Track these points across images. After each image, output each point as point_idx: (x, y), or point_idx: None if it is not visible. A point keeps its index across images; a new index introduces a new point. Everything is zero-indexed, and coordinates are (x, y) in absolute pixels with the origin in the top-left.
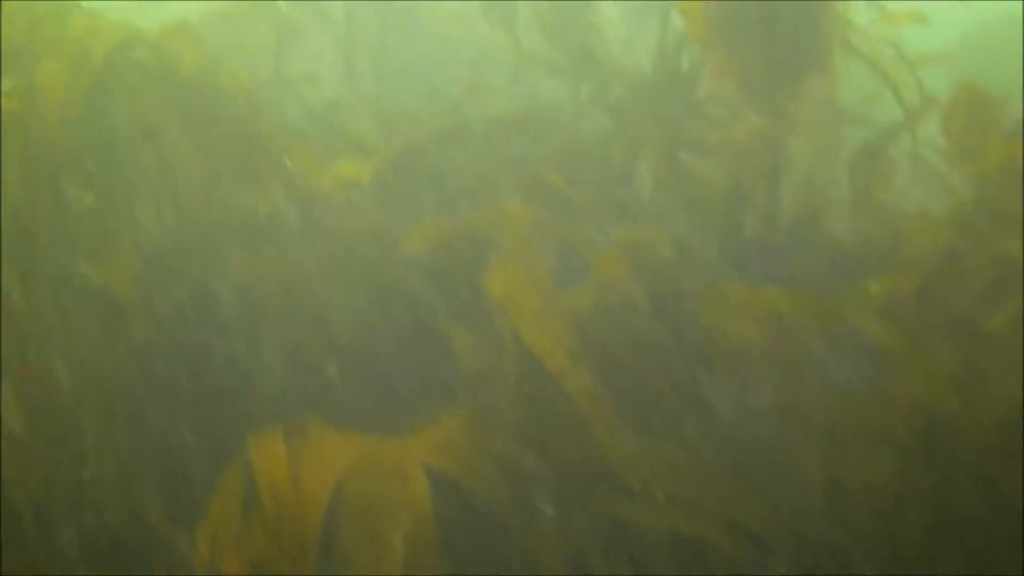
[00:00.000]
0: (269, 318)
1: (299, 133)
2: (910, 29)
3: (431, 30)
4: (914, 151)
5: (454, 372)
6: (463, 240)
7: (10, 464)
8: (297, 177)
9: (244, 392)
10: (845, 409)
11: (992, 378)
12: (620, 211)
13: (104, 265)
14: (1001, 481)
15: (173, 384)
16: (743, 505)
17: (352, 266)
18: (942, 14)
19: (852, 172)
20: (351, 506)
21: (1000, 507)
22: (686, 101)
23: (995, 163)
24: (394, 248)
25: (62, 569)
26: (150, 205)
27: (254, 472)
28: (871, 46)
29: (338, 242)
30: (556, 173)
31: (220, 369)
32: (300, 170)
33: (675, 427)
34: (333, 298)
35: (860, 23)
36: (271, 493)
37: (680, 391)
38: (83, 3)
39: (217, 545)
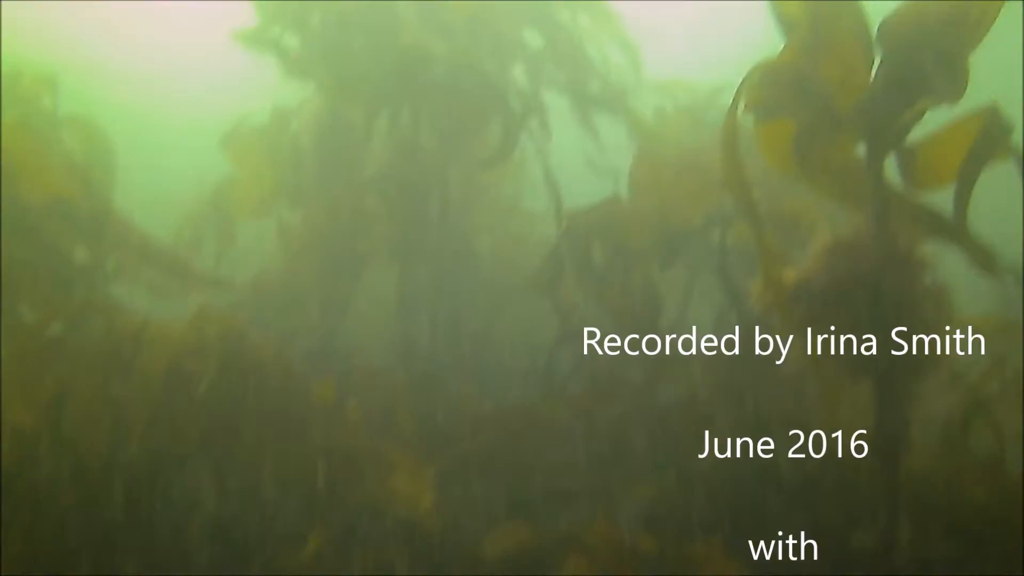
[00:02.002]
0: None
1: (347, 424)
2: None
3: (484, 296)
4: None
5: None
6: (545, 548)
7: None
8: (348, 482)
9: None
10: None
11: None
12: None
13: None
14: None
15: None
16: None
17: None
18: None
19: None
20: None
21: None
22: (767, 380)
23: None
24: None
25: None
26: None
27: None
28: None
29: (403, 546)
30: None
31: None
32: (348, 476)
33: None
34: None
35: None
36: None
37: None
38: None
39: None
